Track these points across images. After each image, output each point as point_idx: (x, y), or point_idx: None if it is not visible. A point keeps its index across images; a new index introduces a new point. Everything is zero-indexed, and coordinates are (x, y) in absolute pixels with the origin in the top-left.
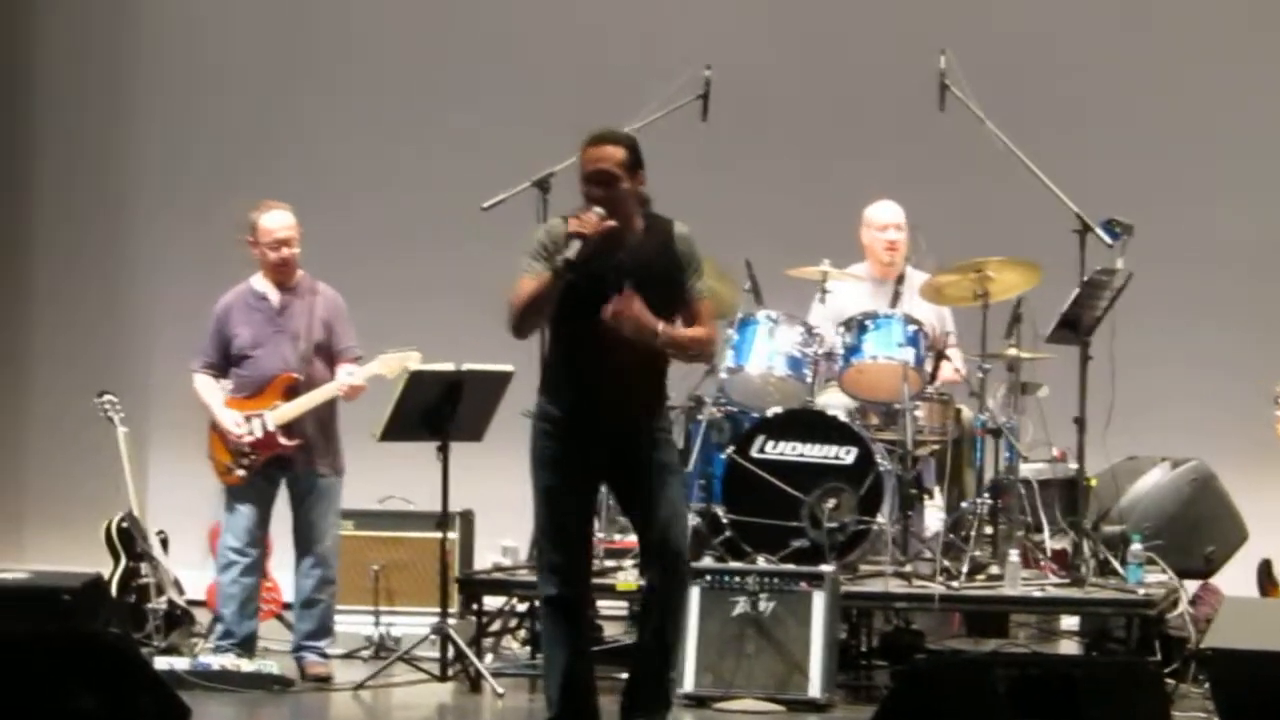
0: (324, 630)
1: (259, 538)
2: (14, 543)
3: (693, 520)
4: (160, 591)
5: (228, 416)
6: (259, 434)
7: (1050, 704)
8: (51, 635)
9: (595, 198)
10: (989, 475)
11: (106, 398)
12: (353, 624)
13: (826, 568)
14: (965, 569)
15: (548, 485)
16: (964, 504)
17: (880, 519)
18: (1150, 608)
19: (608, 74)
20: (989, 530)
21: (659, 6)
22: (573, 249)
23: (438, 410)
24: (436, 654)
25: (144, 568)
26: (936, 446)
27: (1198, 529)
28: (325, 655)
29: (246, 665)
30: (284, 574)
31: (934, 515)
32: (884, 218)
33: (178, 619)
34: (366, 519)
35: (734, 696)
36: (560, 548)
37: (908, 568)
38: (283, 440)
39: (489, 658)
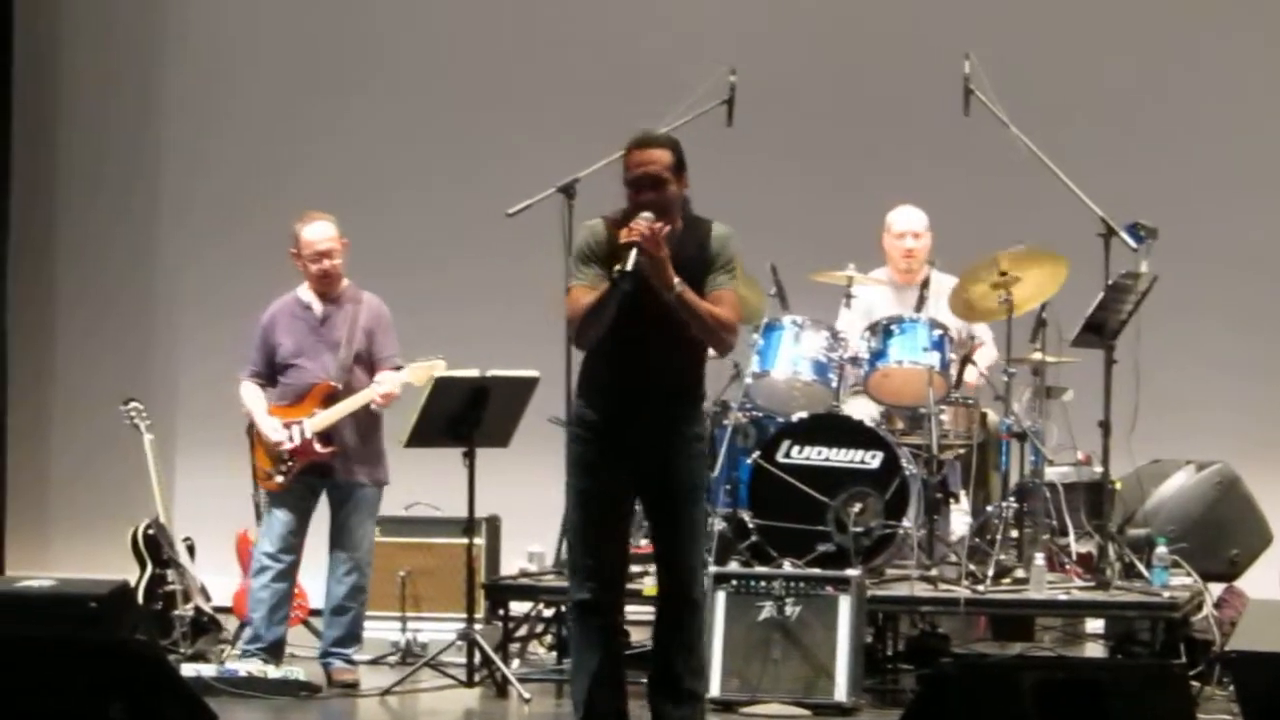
0: (353, 637)
1: (293, 544)
2: (40, 550)
3: (718, 525)
4: (187, 598)
5: (268, 423)
6: (297, 441)
7: (1076, 707)
8: (78, 643)
9: (645, 201)
10: (1014, 479)
11: (132, 405)
12: (379, 630)
13: (852, 572)
14: (991, 573)
15: (580, 489)
16: (989, 508)
17: (906, 523)
18: (1175, 611)
19: (633, 80)
20: (1014, 534)
21: (685, 13)
22: (630, 259)
23: (463, 416)
24: (463, 659)
25: (171, 575)
26: (962, 450)
27: (1222, 532)
28: (352, 661)
29: (273, 672)
30: (311, 581)
31: (959, 519)
32: (902, 224)
33: (204, 626)
34: (393, 525)
35: (760, 700)
36: (591, 552)
37: (933, 571)
38: (318, 447)
39: (515, 663)
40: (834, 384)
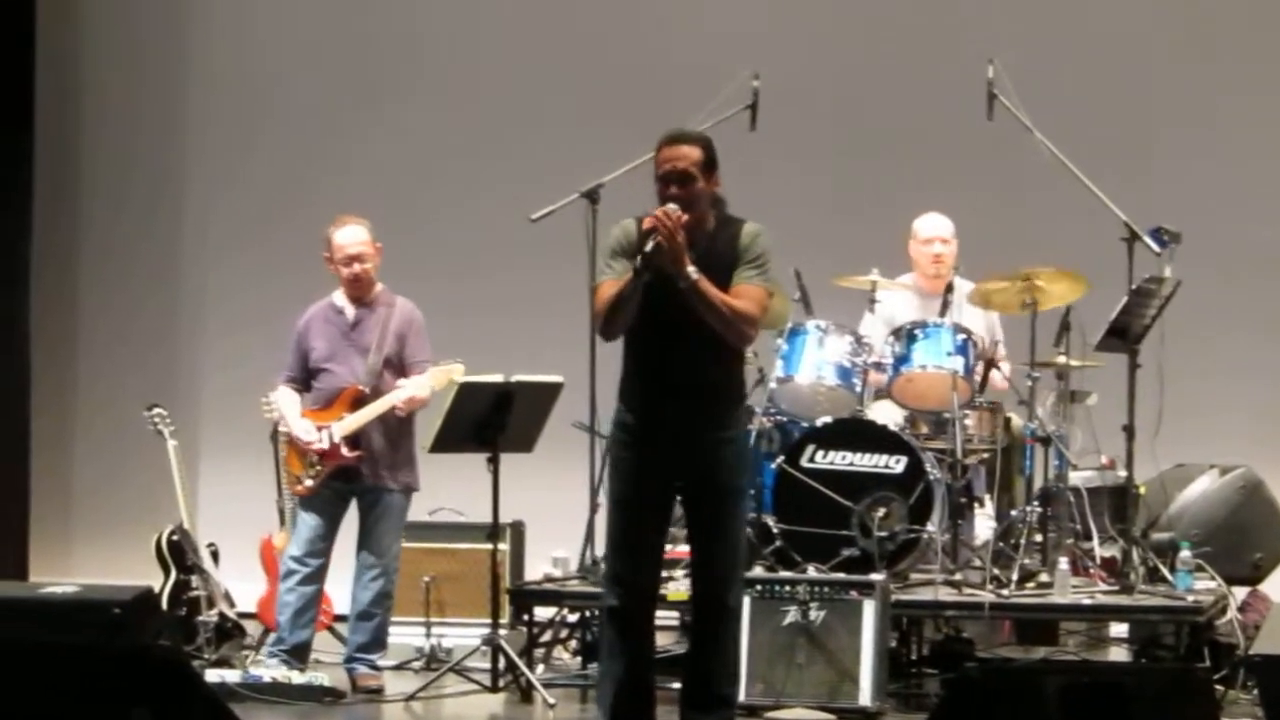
0: (377, 643)
1: (321, 549)
2: (64, 556)
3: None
4: (211, 604)
5: (300, 425)
6: (326, 444)
7: (1100, 711)
8: (102, 649)
9: (671, 197)
10: (1038, 483)
11: (156, 411)
12: (404, 635)
13: (877, 576)
14: (1015, 577)
15: (619, 494)
16: (1013, 512)
17: (930, 527)
18: (1199, 615)
19: (658, 85)
20: (1038, 538)
21: (710, 19)
22: (650, 245)
23: (488, 421)
24: (488, 665)
25: (195, 580)
26: (986, 455)
27: (1246, 536)
28: (377, 667)
29: (298, 677)
30: (335, 586)
31: (984, 523)
32: (930, 231)
33: (229, 631)
34: (417, 531)
35: (785, 705)
36: (625, 558)
37: (958, 576)
38: (345, 451)
39: (540, 668)
40: (858, 389)
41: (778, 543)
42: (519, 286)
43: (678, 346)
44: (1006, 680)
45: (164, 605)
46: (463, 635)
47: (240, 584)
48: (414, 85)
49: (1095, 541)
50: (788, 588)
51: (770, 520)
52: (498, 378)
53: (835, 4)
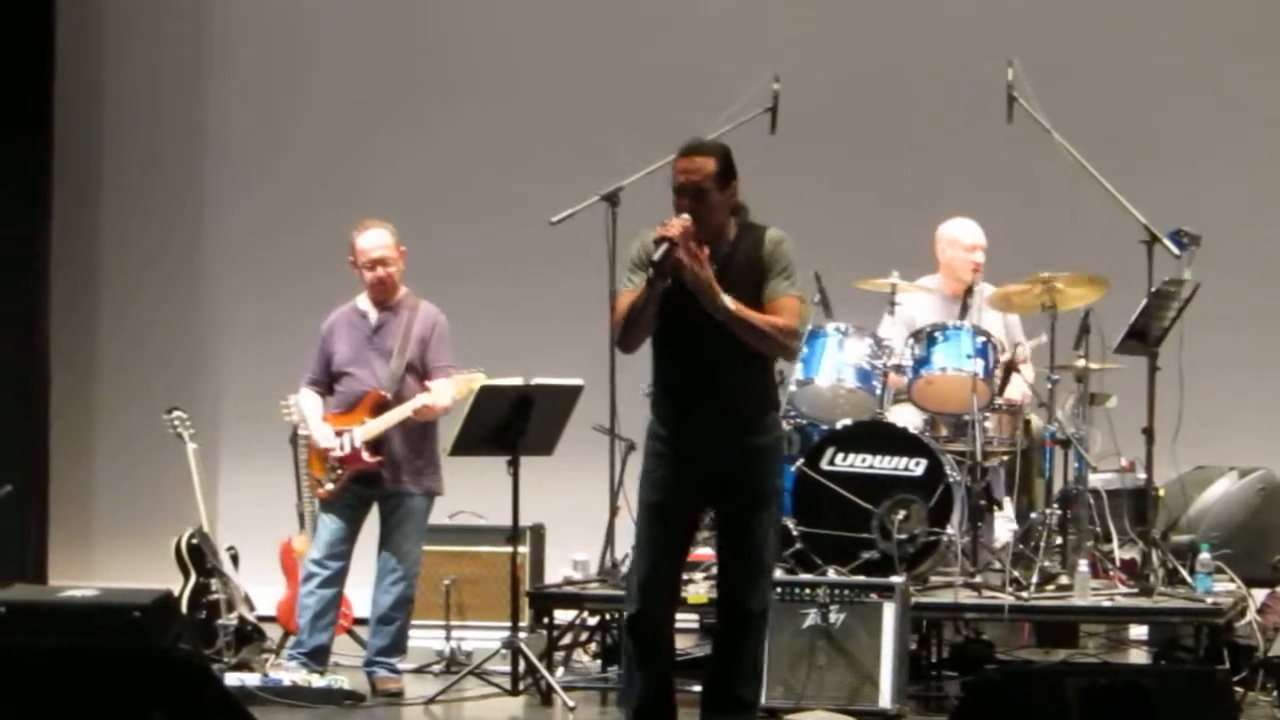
0: (397, 647)
1: (341, 552)
2: (84, 560)
3: None
4: (231, 607)
5: (320, 429)
6: (346, 449)
7: (1120, 713)
8: (122, 652)
9: (683, 209)
10: (1058, 486)
11: (176, 414)
12: (424, 638)
13: (897, 579)
14: (1035, 579)
15: (647, 502)
16: (1033, 514)
17: (950, 530)
18: (1218, 616)
19: (678, 88)
20: (1058, 541)
21: (731, 22)
22: (659, 251)
23: (508, 425)
24: (508, 668)
25: (214, 584)
26: (1006, 457)
27: (1265, 538)
28: (396, 670)
29: (317, 681)
30: (355, 590)
31: (1003, 526)
32: (972, 237)
33: (248, 635)
34: (438, 534)
35: (805, 708)
36: (647, 566)
37: (977, 578)
38: (366, 456)
39: (560, 671)
40: (878, 391)
41: (798, 545)
42: (539, 289)
43: (704, 356)
44: (1026, 682)
45: (183, 609)
46: (483, 638)
47: (260, 587)
48: (435, 89)
49: (1115, 544)
50: (808, 590)
51: (790, 523)
52: (518, 381)
53: (854, 7)
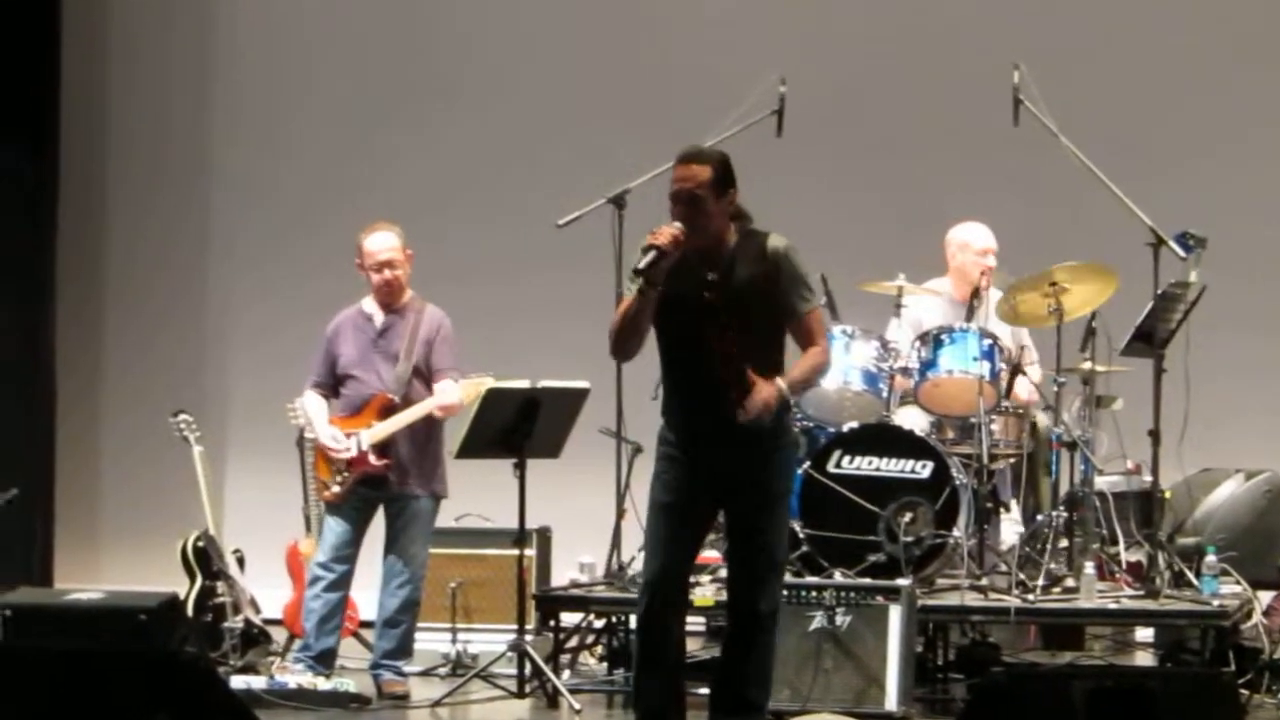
0: (403, 650)
1: (346, 555)
2: (90, 562)
3: None
4: (237, 610)
5: (326, 432)
6: (353, 452)
7: (1126, 716)
8: (128, 655)
9: (679, 216)
10: (1064, 488)
11: (182, 417)
12: (430, 641)
13: (903, 581)
14: (1041, 582)
15: (658, 503)
16: (1039, 517)
17: (956, 532)
18: (1225, 619)
19: (684, 91)
20: (1064, 543)
21: (736, 25)
22: (645, 259)
23: (514, 427)
24: (514, 671)
25: (220, 587)
26: (1012, 460)
27: (1271, 540)
28: (402, 673)
29: (323, 684)
30: (361, 593)
31: (1010, 528)
32: (983, 242)
33: (254, 638)
34: (444, 536)
35: (811, 710)
36: (657, 567)
37: (984, 581)
38: (373, 459)
39: (566, 674)
40: (884, 394)
41: (804, 548)
42: (545, 292)
43: (709, 363)
44: (1032, 685)
45: (189, 611)
46: (489, 641)
47: (266, 590)
48: (441, 92)
49: (1121, 546)
50: (814, 593)
51: (797, 525)
52: (524, 383)
53: (857, 7)
